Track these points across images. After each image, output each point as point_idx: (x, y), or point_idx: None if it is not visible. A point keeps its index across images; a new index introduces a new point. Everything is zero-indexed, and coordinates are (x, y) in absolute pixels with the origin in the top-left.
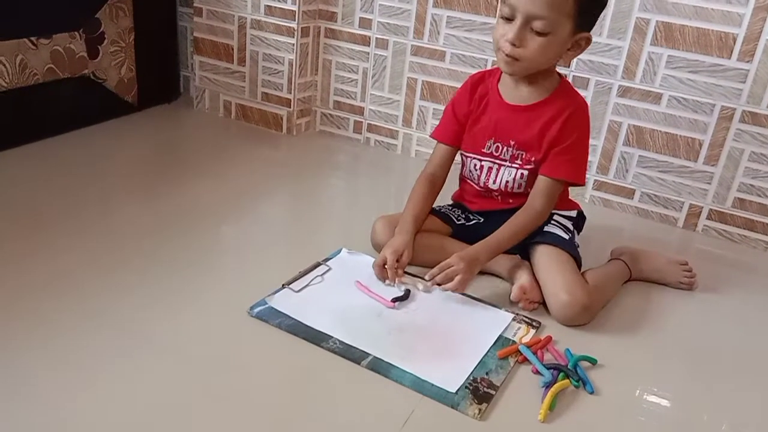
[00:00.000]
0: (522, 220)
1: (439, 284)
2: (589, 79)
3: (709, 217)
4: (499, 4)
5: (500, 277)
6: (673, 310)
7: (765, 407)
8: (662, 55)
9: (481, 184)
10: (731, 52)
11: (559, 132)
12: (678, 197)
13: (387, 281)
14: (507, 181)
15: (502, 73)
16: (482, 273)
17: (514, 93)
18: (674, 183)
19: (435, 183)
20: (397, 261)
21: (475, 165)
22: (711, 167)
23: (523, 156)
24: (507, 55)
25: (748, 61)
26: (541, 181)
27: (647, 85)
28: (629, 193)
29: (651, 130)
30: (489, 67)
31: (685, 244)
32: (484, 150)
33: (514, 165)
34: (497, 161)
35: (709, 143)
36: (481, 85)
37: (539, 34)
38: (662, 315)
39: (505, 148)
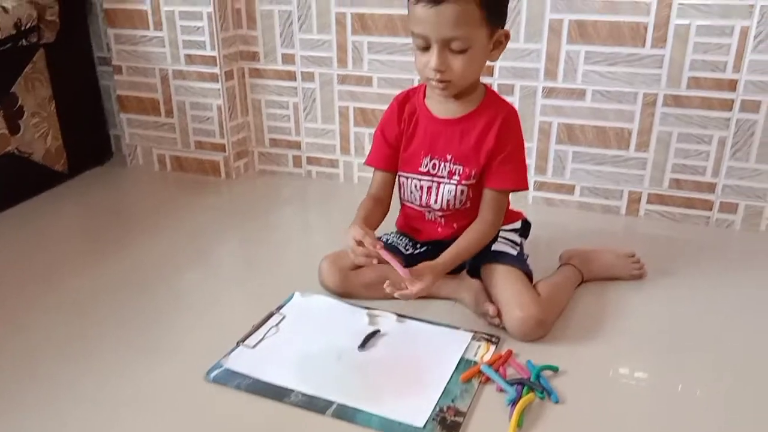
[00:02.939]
0: (476, 233)
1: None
2: (513, 84)
3: (649, 201)
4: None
5: (455, 300)
6: (630, 302)
7: (733, 384)
8: (580, 52)
9: (423, 205)
10: (644, 40)
11: (496, 141)
12: (617, 186)
13: (365, 258)
14: (448, 199)
15: (426, 88)
16: (438, 298)
17: (443, 107)
18: (611, 173)
19: (380, 201)
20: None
21: (415, 185)
22: (643, 153)
23: (461, 171)
24: (438, 81)
25: (661, 47)
26: (489, 193)
27: (570, 83)
28: (570, 189)
29: (580, 126)
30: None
31: (630, 230)
32: (421, 169)
33: (452, 181)
34: (435, 179)
35: (637, 130)
36: (407, 104)
37: (460, 52)
38: (620, 310)
39: (442, 164)
